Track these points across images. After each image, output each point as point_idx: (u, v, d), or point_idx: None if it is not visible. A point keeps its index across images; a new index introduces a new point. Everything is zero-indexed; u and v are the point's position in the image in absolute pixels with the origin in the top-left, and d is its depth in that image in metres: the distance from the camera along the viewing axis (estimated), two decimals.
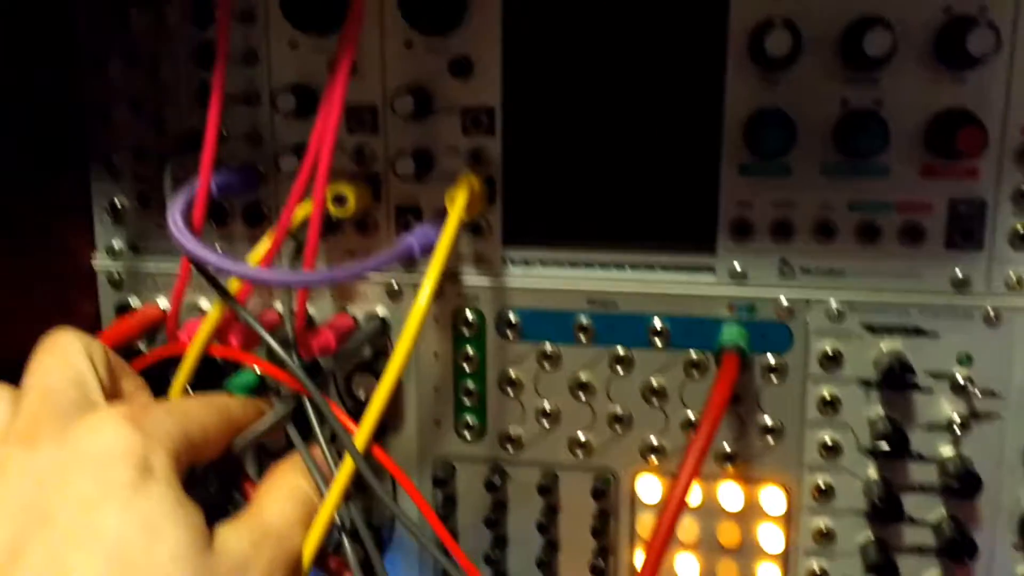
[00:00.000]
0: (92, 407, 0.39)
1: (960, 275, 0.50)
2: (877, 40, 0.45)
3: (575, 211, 0.56)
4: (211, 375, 0.57)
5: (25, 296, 0.57)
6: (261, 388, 0.54)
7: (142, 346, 0.60)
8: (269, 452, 0.55)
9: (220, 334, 0.51)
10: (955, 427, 0.51)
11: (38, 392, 0.38)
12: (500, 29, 0.52)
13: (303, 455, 0.46)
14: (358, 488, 0.49)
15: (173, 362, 0.54)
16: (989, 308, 0.50)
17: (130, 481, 0.34)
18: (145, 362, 0.55)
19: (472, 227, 0.55)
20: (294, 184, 0.48)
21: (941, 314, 0.51)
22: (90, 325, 0.61)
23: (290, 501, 0.43)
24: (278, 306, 0.58)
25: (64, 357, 0.40)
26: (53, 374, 0.39)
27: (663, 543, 0.45)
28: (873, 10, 0.47)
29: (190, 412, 0.41)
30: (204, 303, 0.60)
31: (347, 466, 0.45)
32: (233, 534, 0.38)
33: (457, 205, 0.50)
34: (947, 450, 0.52)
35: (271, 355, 0.50)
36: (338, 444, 0.47)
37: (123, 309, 0.61)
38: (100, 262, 0.61)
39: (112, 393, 0.42)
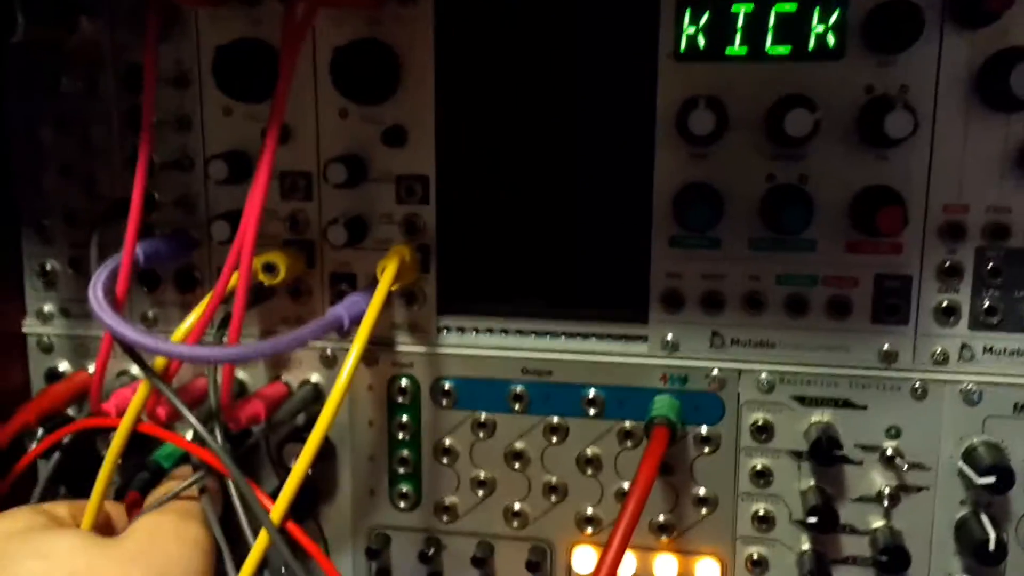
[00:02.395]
0: None
1: (887, 349, 0.50)
2: (798, 120, 0.46)
3: (510, 280, 0.56)
4: (139, 445, 0.56)
5: None
6: (187, 457, 0.53)
7: (72, 412, 0.59)
8: None
9: (148, 405, 0.50)
10: (885, 499, 0.51)
11: None
12: (434, 99, 0.52)
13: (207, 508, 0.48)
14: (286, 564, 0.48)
15: (100, 431, 0.54)
16: (916, 382, 0.50)
17: None
18: (70, 431, 0.54)
19: (407, 295, 0.55)
20: (229, 253, 0.48)
21: (869, 387, 0.51)
22: (19, 391, 0.60)
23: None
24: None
25: None
26: None
27: None
28: (797, 90, 0.48)
29: None
30: (135, 369, 0.59)
31: (262, 541, 0.44)
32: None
33: (386, 276, 0.50)
34: (878, 522, 0.52)
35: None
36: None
37: (53, 375, 0.60)
38: (30, 327, 0.60)
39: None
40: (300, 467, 0.45)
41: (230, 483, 0.47)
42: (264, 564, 0.46)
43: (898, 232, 0.47)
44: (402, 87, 0.52)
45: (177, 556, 0.45)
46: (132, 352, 0.47)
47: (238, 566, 0.45)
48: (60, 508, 0.49)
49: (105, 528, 0.50)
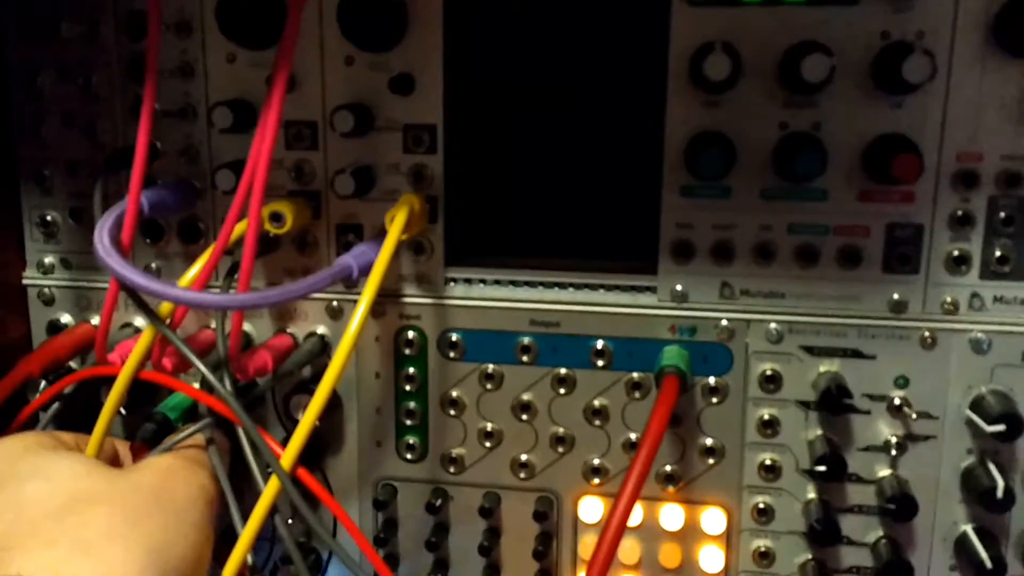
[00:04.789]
0: None
1: (897, 298, 0.50)
2: (815, 65, 0.45)
3: (518, 231, 0.55)
4: (144, 396, 0.56)
5: None
6: (194, 408, 0.53)
7: (75, 365, 0.58)
8: None
9: (154, 355, 0.50)
10: (892, 449, 0.51)
11: None
12: (442, 46, 0.52)
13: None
14: (296, 511, 0.48)
15: (104, 381, 0.53)
16: (926, 331, 0.50)
17: None
18: (73, 380, 0.54)
19: (414, 246, 0.55)
20: (232, 202, 0.47)
21: (878, 337, 0.51)
22: (20, 344, 0.59)
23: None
24: (215, 325, 0.57)
25: None
26: None
27: (604, 564, 0.44)
28: (812, 35, 0.47)
29: None
30: (139, 321, 0.58)
31: (272, 488, 0.44)
32: None
33: (396, 225, 0.50)
34: (884, 471, 0.52)
35: (205, 378, 0.48)
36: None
37: (55, 327, 0.59)
38: (31, 279, 0.59)
39: None
40: (310, 415, 0.45)
41: (240, 431, 0.47)
42: (272, 515, 0.46)
43: (913, 180, 0.46)
44: (409, 33, 0.52)
45: (183, 499, 0.43)
46: (138, 299, 0.46)
47: (244, 519, 0.45)
48: (66, 436, 0.48)
49: (111, 462, 0.49)
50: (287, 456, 0.45)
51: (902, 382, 0.51)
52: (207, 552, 0.43)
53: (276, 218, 0.52)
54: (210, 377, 0.46)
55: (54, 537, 0.37)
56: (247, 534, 0.43)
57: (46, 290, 0.59)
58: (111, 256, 0.44)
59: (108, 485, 0.41)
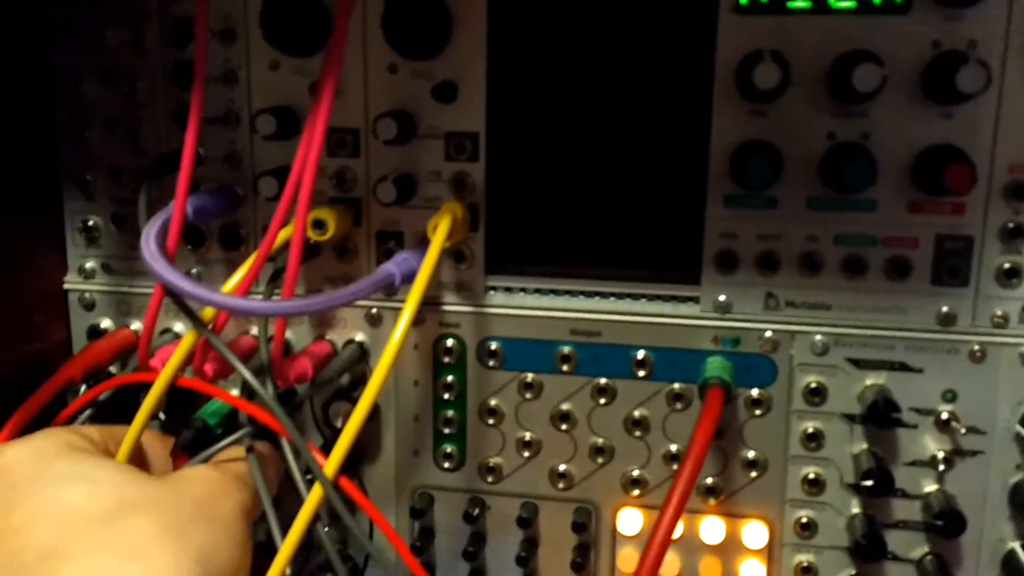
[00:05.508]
0: None
1: (946, 311, 0.49)
2: (866, 75, 0.45)
3: (559, 239, 0.55)
4: (184, 403, 0.56)
5: None
6: (234, 415, 0.53)
7: (114, 370, 0.58)
8: None
9: (196, 361, 0.50)
10: (939, 464, 0.50)
11: None
12: (485, 54, 0.52)
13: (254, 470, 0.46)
14: (333, 519, 0.48)
15: (146, 386, 0.53)
16: (975, 345, 0.49)
17: None
18: (114, 385, 0.54)
19: (454, 254, 0.55)
20: (277, 208, 0.47)
21: (926, 350, 0.50)
22: (60, 348, 0.59)
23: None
24: (255, 331, 0.57)
25: None
26: None
27: (652, 570, 0.44)
28: (862, 44, 0.47)
29: None
30: (178, 327, 0.58)
31: (315, 494, 0.44)
32: None
33: (440, 233, 0.49)
34: (931, 487, 0.51)
35: (245, 385, 0.48)
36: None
37: (95, 332, 0.59)
38: (72, 283, 0.59)
39: None
40: (354, 422, 0.45)
41: (283, 443, 0.47)
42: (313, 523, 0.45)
43: (966, 191, 0.46)
44: (453, 41, 0.51)
45: (226, 513, 0.43)
46: (183, 304, 0.46)
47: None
48: (92, 431, 0.47)
49: (140, 460, 0.48)
50: (331, 464, 0.44)
51: (950, 396, 0.50)
52: (246, 569, 0.42)
53: (319, 225, 0.52)
54: (254, 382, 0.46)
55: (102, 543, 0.37)
56: (290, 541, 0.43)
57: (87, 295, 0.59)
58: (157, 261, 0.44)
59: (153, 492, 0.41)
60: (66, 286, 0.59)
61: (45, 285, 0.59)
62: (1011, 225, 0.48)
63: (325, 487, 0.44)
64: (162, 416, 0.56)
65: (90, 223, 0.58)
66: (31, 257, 0.58)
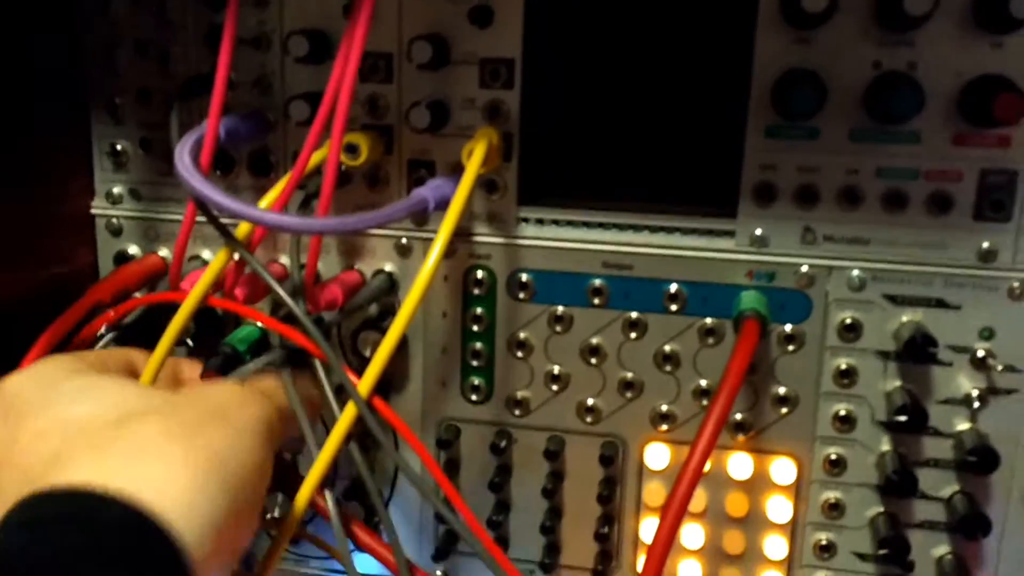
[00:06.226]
0: None
1: (987, 247, 0.49)
2: (913, 0, 0.44)
3: (593, 171, 0.55)
4: (212, 328, 0.56)
5: (21, 242, 0.55)
6: (263, 341, 0.53)
7: (140, 296, 0.58)
8: None
9: (227, 284, 0.49)
10: (973, 402, 0.50)
11: None
12: None
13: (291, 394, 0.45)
14: (359, 446, 0.48)
15: (176, 308, 0.53)
16: (1015, 282, 0.49)
17: None
18: (143, 303, 0.53)
19: (486, 184, 0.54)
20: (309, 132, 0.46)
21: (965, 286, 0.50)
22: (88, 273, 0.59)
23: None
24: (283, 260, 0.57)
25: None
26: None
27: (680, 510, 0.44)
28: None
29: None
30: (206, 254, 0.58)
31: (349, 413, 0.44)
32: None
33: (475, 160, 0.49)
34: (964, 425, 0.51)
35: (275, 307, 0.48)
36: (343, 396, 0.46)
37: (122, 258, 0.59)
38: (99, 208, 0.59)
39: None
40: (387, 346, 0.45)
41: (316, 363, 0.47)
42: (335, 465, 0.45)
43: (1015, 121, 0.45)
44: None
45: (246, 420, 0.39)
46: (216, 220, 0.46)
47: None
48: (116, 354, 0.45)
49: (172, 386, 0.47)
50: (364, 383, 0.44)
51: (987, 334, 0.50)
52: (264, 482, 0.41)
53: (351, 150, 0.51)
54: (289, 301, 0.46)
55: (108, 443, 0.34)
56: (323, 457, 0.43)
57: (114, 220, 0.59)
58: (192, 175, 0.43)
59: (165, 400, 0.39)
60: (93, 211, 0.59)
61: (72, 210, 0.59)
62: None
63: (358, 404, 0.43)
64: (190, 343, 0.56)
65: (118, 147, 0.58)
66: (58, 181, 0.58)
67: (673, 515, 0.44)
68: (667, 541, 0.44)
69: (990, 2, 0.45)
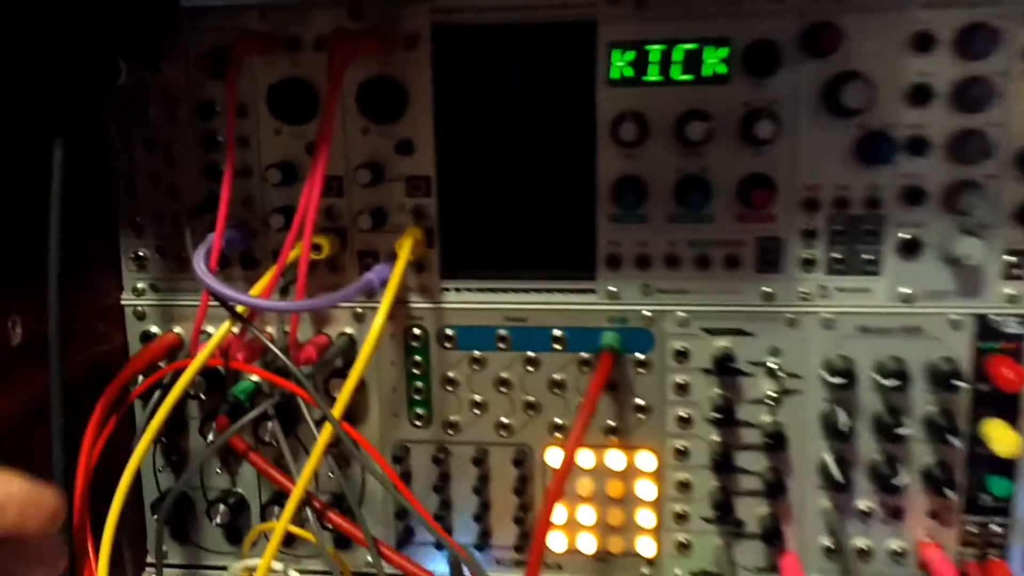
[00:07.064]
0: None
1: (768, 291, 0.69)
2: (697, 128, 0.65)
3: (494, 252, 0.74)
4: (218, 384, 0.74)
5: (68, 328, 0.73)
6: (257, 392, 0.72)
7: (162, 365, 0.77)
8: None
9: (227, 352, 0.68)
10: (770, 401, 0.70)
11: None
12: (433, 119, 0.71)
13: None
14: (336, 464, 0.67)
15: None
16: (789, 314, 0.69)
17: None
18: (171, 370, 0.72)
19: (416, 266, 0.73)
20: (287, 236, 0.66)
21: (756, 319, 0.70)
22: (120, 350, 0.78)
23: None
24: (269, 330, 0.76)
25: None
26: None
27: (558, 487, 0.64)
28: (696, 106, 0.67)
29: None
30: (211, 329, 0.77)
31: (326, 434, 0.63)
32: None
33: (404, 251, 0.69)
34: (766, 418, 0.71)
35: (268, 364, 0.67)
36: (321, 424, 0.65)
37: (147, 337, 0.77)
38: (127, 300, 0.78)
39: None
40: (349, 386, 0.64)
41: (301, 402, 0.66)
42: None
43: (767, 206, 0.66)
44: (409, 110, 0.71)
45: None
46: (228, 305, 0.65)
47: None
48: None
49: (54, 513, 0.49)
50: (337, 407, 0.64)
51: (775, 352, 0.70)
52: None
53: (316, 248, 0.71)
54: (284, 358, 0.65)
55: None
56: (307, 472, 0.62)
57: (139, 308, 0.78)
58: (207, 276, 0.63)
59: None
60: (123, 302, 0.78)
61: (107, 302, 0.77)
62: (807, 228, 0.68)
63: (333, 424, 0.63)
64: (202, 396, 0.75)
65: (140, 253, 0.77)
66: (96, 281, 0.76)
67: (555, 489, 0.64)
68: (550, 510, 0.63)
69: (750, 126, 0.65)
